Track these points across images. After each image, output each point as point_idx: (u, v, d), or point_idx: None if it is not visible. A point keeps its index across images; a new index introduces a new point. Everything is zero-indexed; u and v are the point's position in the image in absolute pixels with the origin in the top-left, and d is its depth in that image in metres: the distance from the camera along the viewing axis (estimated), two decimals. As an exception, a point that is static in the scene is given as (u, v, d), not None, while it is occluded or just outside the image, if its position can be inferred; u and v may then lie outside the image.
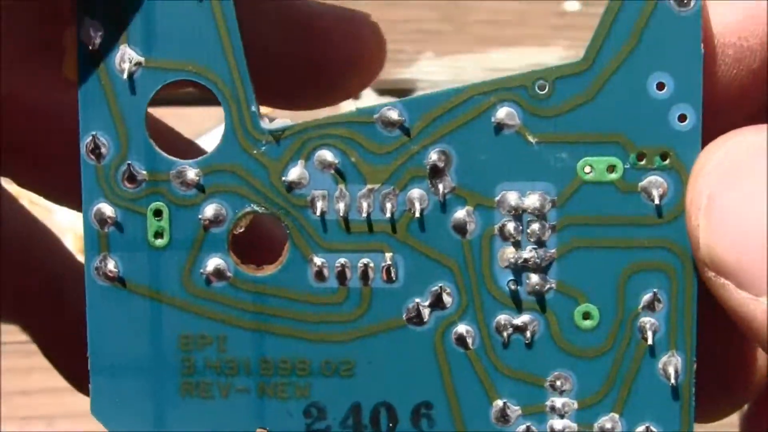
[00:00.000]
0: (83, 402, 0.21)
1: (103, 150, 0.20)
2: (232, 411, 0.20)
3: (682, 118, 0.19)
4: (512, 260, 0.19)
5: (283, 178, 0.19)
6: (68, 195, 0.23)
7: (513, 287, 0.19)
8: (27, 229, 0.25)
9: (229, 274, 0.20)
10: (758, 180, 0.17)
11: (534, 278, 0.19)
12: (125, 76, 0.20)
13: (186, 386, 0.20)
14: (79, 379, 0.22)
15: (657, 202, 0.19)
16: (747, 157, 0.18)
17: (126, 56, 0.19)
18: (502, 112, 0.19)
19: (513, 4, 0.51)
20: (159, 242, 0.20)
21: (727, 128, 0.20)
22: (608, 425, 0.20)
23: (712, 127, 0.19)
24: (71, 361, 0.22)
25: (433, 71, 0.51)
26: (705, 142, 0.19)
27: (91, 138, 0.20)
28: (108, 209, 0.20)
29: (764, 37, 0.19)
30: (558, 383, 0.20)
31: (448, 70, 0.51)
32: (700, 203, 0.18)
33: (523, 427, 0.20)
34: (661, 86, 0.19)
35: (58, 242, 0.26)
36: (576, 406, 0.20)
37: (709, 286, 0.18)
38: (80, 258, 0.22)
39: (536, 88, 0.19)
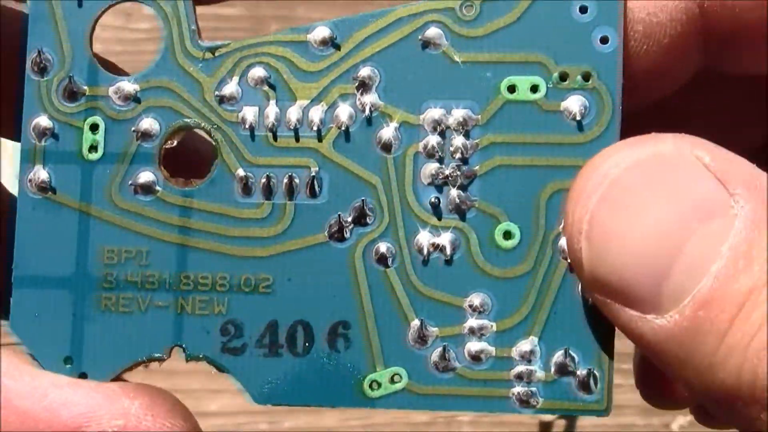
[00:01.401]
0: None
1: (47, 65, 0.23)
2: (149, 327, 0.22)
3: (604, 40, 0.22)
4: (434, 176, 0.22)
5: (216, 94, 0.22)
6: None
7: (434, 203, 0.21)
8: None
9: (157, 188, 0.22)
10: (636, 200, 0.20)
11: (455, 194, 0.22)
12: None
13: (105, 300, 0.22)
14: None
15: (578, 118, 0.21)
16: (624, 179, 0.20)
17: (77, -22, 0.23)
18: (430, 32, 0.22)
19: None
20: (93, 156, 0.23)
21: (642, 108, 0.22)
22: (526, 348, 0.21)
23: (631, 106, 0.21)
24: None
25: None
26: (625, 121, 0.22)
27: (36, 53, 0.23)
28: (46, 122, 0.23)
29: (674, 11, 0.21)
30: (476, 303, 0.21)
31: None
32: (581, 227, 0.20)
33: (439, 349, 0.21)
34: (583, 9, 0.22)
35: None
36: (494, 328, 0.21)
37: (597, 306, 0.21)
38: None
39: (463, 9, 0.22)
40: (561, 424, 0.52)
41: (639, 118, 0.22)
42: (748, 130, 0.26)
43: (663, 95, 0.24)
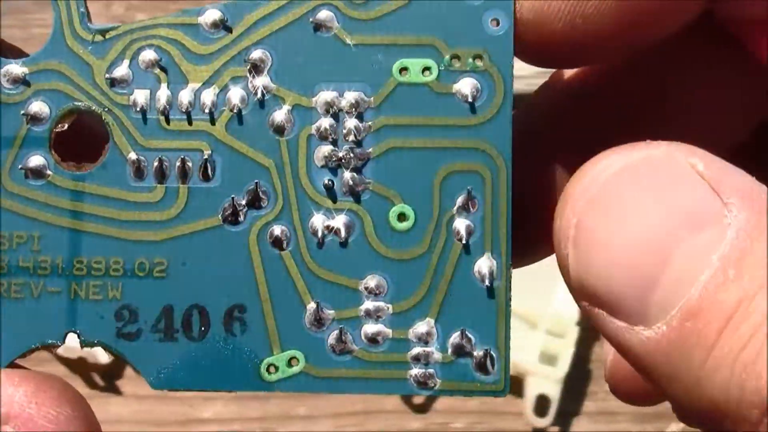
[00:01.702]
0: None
1: None
2: (42, 313, 0.22)
3: (495, 22, 0.22)
4: (328, 158, 0.22)
5: (107, 76, 0.22)
6: None
7: (328, 185, 0.21)
8: None
9: (48, 171, 0.22)
10: (624, 206, 0.19)
11: (349, 177, 0.22)
12: None
13: None
14: None
15: (470, 101, 0.21)
16: (612, 183, 0.19)
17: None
18: (322, 15, 0.22)
19: None
20: (-19, 140, 0.22)
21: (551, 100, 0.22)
22: (423, 329, 0.21)
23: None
24: None
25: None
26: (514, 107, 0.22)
27: None
28: None
29: None
30: (372, 286, 0.21)
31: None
32: (568, 232, 0.20)
33: (336, 331, 0.21)
34: (475, -9, 0.22)
35: None
36: (390, 310, 0.22)
37: (583, 313, 0.20)
38: None
39: None
40: (555, 430, 0.53)
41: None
42: (732, 122, 0.25)
43: (661, 36, 0.23)
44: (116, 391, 0.56)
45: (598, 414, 0.53)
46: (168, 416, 0.54)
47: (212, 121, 0.23)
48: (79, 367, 0.57)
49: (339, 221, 0.22)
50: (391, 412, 0.53)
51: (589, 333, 0.53)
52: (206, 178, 0.23)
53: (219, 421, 0.54)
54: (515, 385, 0.51)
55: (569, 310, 0.52)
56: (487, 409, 0.52)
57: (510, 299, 0.22)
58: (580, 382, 0.53)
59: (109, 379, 0.57)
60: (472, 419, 0.52)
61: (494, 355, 0.22)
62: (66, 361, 0.57)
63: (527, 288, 0.52)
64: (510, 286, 0.22)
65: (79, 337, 0.23)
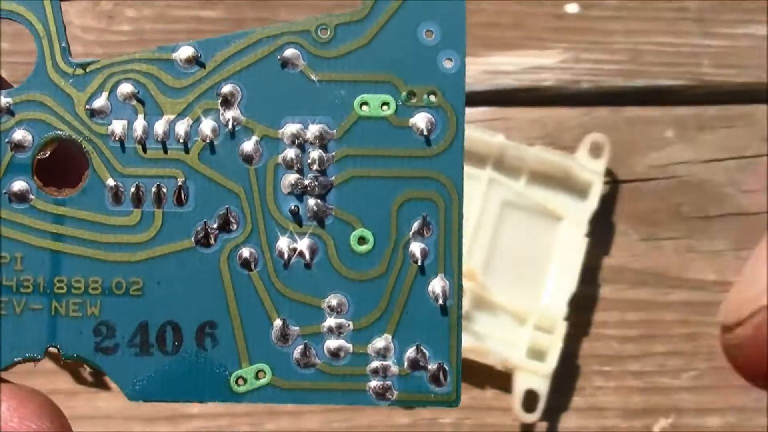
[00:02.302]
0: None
1: None
2: (25, 328, 0.23)
3: (449, 61, 0.23)
4: (294, 186, 0.23)
5: (87, 107, 0.24)
6: None
7: (294, 212, 0.23)
8: None
9: (31, 196, 0.24)
10: None
11: (313, 203, 0.23)
12: None
13: None
14: None
15: (425, 134, 0.23)
16: None
17: (-51, -6, 0.24)
18: (288, 52, 0.24)
19: (512, 6, 0.56)
20: (-33, 166, 0.24)
21: None
22: (381, 344, 0.23)
23: None
24: None
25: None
26: None
27: None
28: None
29: None
30: (334, 304, 0.23)
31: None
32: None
33: (301, 346, 0.23)
34: (429, 33, 0.23)
35: None
36: (351, 327, 0.23)
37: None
38: None
39: (318, 32, 0.24)
40: (543, 425, 0.53)
41: None
42: None
43: None
44: (105, 387, 0.56)
45: (587, 410, 0.53)
46: (156, 412, 0.55)
47: (186, 150, 0.24)
48: (67, 362, 0.57)
49: (304, 244, 0.24)
50: (380, 408, 0.52)
51: (578, 329, 0.53)
52: (180, 203, 0.24)
53: (207, 416, 0.55)
54: (503, 381, 0.51)
55: (558, 306, 0.52)
56: (476, 405, 0.52)
57: (461, 317, 0.24)
58: (568, 377, 0.53)
59: (97, 374, 0.57)
60: (460, 415, 0.52)
61: (447, 368, 0.24)
62: (54, 357, 0.57)
63: (515, 284, 0.52)
64: (461, 305, 0.24)
65: (59, 351, 0.24)
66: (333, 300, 0.24)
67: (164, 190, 0.24)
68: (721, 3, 0.57)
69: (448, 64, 0.24)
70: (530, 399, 0.51)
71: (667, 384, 0.53)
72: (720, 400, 0.52)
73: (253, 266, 0.24)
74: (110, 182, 0.24)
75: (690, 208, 0.54)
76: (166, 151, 0.25)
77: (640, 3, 0.56)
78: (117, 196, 0.24)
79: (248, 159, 0.24)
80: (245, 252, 0.24)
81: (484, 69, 0.55)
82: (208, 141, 0.24)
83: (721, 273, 0.53)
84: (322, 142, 0.24)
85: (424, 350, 0.24)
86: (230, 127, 0.24)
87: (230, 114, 0.24)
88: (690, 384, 0.53)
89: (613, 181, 0.54)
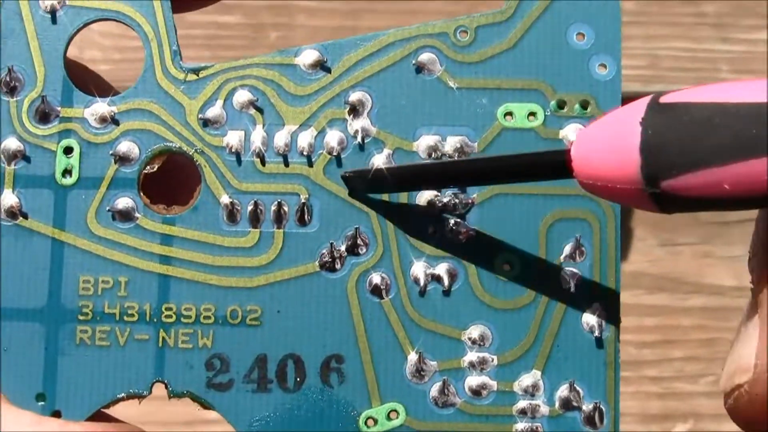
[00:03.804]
0: None
1: (17, 85, 0.21)
2: (129, 361, 0.21)
3: (603, 67, 0.21)
4: (431, 204, 0.21)
5: (200, 117, 0.21)
6: None
7: (431, 232, 0.21)
8: None
9: (137, 214, 0.21)
10: None
11: (453, 223, 0.21)
12: (48, 12, 0.22)
13: (81, 333, 0.21)
14: None
15: None
16: None
17: (50, -7, 0.22)
18: (424, 57, 0.21)
19: None
20: (67, 180, 0.22)
21: None
22: (529, 382, 0.21)
23: None
24: None
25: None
26: None
27: (6, 72, 0.21)
28: (17, 145, 0.22)
29: None
30: (476, 336, 0.21)
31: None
32: None
33: (439, 383, 0.21)
34: (580, 36, 0.21)
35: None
36: (495, 361, 0.21)
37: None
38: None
39: (458, 35, 0.21)
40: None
41: None
42: None
43: None
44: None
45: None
46: (174, 417, 0.52)
47: (310, 164, 0.22)
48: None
49: (442, 269, 0.22)
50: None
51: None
52: (303, 222, 0.22)
53: (224, 421, 0.53)
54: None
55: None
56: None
57: (619, 350, 0.21)
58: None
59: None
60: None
61: (603, 408, 0.21)
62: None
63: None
64: (619, 337, 0.22)
65: (167, 387, 0.22)
66: (474, 331, 0.22)
67: (285, 208, 0.22)
68: (739, 8, 0.56)
69: (602, 70, 0.22)
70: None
71: (685, 389, 0.51)
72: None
73: (384, 293, 0.22)
74: (225, 199, 0.22)
75: (708, 214, 0.53)
76: (287, 165, 0.22)
77: (658, 8, 0.55)
78: (232, 214, 0.22)
79: (380, 174, 0.22)
80: (376, 277, 0.22)
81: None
82: (334, 154, 0.22)
83: (739, 278, 0.52)
84: (462, 155, 0.22)
85: (578, 388, 0.21)
86: (359, 138, 0.22)
87: (359, 124, 0.22)
88: (708, 389, 0.51)
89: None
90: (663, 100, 0.18)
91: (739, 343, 0.19)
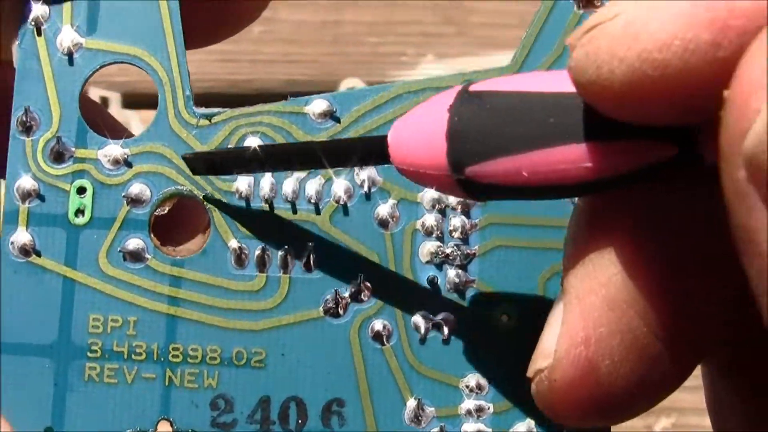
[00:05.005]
0: None
1: (33, 125, 0.22)
2: (136, 399, 0.22)
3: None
4: (433, 254, 0.22)
5: None
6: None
7: (433, 282, 0.21)
8: None
9: (147, 255, 0.22)
10: None
11: (454, 274, 0.22)
12: (65, 54, 0.22)
13: (90, 370, 0.22)
14: None
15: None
16: None
17: (68, 36, 0.22)
18: None
19: (514, 6, 0.55)
20: (79, 220, 0.22)
21: None
22: (523, 430, 0.21)
23: None
24: None
25: (435, 74, 0.55)
26: None
27: (23, 112, 0.22)
28: (31, 183, 0.22)
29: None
30: (473, 384, 0.21)
31: (449, 72, 0.55)
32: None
33: (436, 429, 0.21)
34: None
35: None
36: (491, 409, 0.21)
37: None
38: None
39: None
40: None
41: None
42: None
43: None
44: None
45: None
46: None
47: (317, 212, 0.23)
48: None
49: (442, 318, 0.22)
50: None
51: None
52: (309, 268, 0.23)
53: None
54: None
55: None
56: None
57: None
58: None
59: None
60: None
61: None
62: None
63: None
64: (612, 390, 0.22)
65: (172, 425, 0.22)
66: (472, 380, 0.22)
67: (292, 254, 0.23)
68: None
69: None
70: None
71: (669, 384, 0.52)
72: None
73: (386, 340, 0.22)
74: (233, 243, 0.23)
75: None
76: (295, 212, 0.23)
77: None
78: (240, 258, 0.23)
79: (384, 223, 0.23)
80: (378, 324, 0.22)
81: (487, 68, 0.55)
82: (341, 202, 0.23)
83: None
84: (464, 207, 0.23)
85: None
86: (365, 188, 0.23)
87: (365, 174, 0.23)
88: (691, 384, 0.51)
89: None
90: (472, 88, 0.18)
91: (544, 331, 0.19)
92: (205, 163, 0.22)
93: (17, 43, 0.23)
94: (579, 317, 0.18)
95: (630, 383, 0.18)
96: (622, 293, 0.18)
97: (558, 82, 0.17)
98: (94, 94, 0.49)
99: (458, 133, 0.18)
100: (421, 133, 0.18)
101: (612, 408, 0.18)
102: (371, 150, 0.20)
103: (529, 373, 0.19)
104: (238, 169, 0.22)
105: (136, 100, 0.51)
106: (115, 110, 0.50)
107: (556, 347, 0.18)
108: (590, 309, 0.18)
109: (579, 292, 0.18)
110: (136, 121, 0.51)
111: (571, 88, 0.17)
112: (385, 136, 0.19)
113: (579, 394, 0.18)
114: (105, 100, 0.50)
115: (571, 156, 0.17)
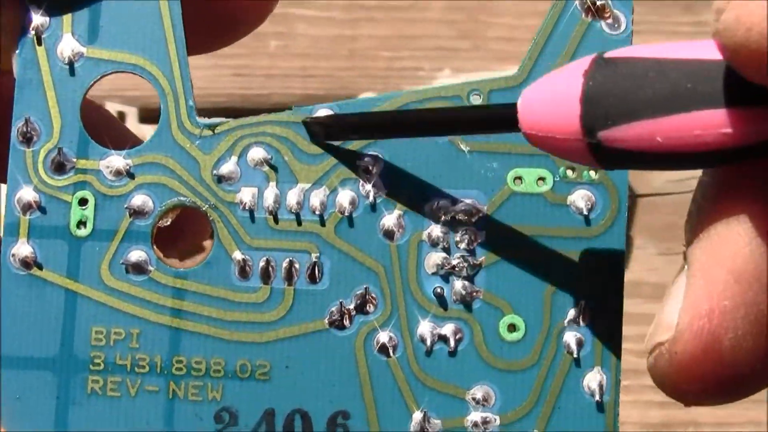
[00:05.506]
0: None
1: (33, 135, 0.22)
2: (139, 412, 0.22)
3: (612, 134, 0.21)
4: (439, 266, 0.21)
5: (214, 172, 0.22)
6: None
7: (439, 294, 0.21)
8: None
9: (150, 267, 0.22)
10: None
11: (460, 285, 0.21)
12: (65, 63, 0.22)
13: (92, 383, 0.22)
14: None
15: (585, 213, 0.21)
16: None
17: (68, 45, 0.22)
18: None
19: (530, 21, 0.55)
20: (81, 231, 0.22)
21: None
22: (530, 443, 0.21)
23: None
24: None
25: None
26: None
27: (23, 122, 0.22)
28: (32, 195, 0.22)
29: None
30: (479, 396, 0.21)
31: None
32: None
33: (442, 441, 0.21)
34: (591, 103, 0.22)
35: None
36: (498, 421, 0.21)
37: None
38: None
39: (470, 98, 0.22)
40: None
41: None
42: None
43: None
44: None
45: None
46: None
47: (322, 223, 0.22)
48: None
49: (448, 329, 0.22)
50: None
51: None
52: (314, 280, 0.22)
53: None
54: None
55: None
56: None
57: (618, 414, 0.22)
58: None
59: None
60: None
61: None
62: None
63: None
64: (618, 401, 0.22)
65: (176, 438, 0.22)
66: (478, 391, 0.22)
67: (296, 265, 0.22)
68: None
69: None
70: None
71: (686, 398, 0.53)
72: (738, 414, 0.51)
73: (391, 352, 0.22)
74: (237, 255, 0.22)
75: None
76: (299, 223, 0.23)
77: (657, 18, 0.55)
78: (244, 270, 0.22)
79: (389, 234, 0.22)
80: (383, 336, 0.22)
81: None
82: (346, 213, 0.22)
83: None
84: (471, 218, 0.22)
85: None
86: (371, 198, 0.22)
87: (371, 185, 0.23)
88: None
89: (630, 195, 0.53)
90: (608, 55, 0.18)
91: (665, 303, 0.19)
92: (324, 128, 0.22)
93: (17, 52, 0.23)
94: (703, 289, 0.18)
95: (753, 358, 0.18)
96: (749, 266, 0.17)
97: (694, 50, 0.17)
98: (111, 108, 0.49)
99: (593, 97, 0.17)
100: (553, 98, 0.18)
101: (733, 383, 0.18)
102: (501, 117, 0.19)
103: (647, 346, 0.19)
104: (356, 136, 0.22)
105: (152, 115, 0.51)
106: (132, 125, 0.50)
107: (678, 320, 0.18)
108: (715, 281, 0.18)
109: (704, 264, 0.18)
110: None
111: (707, 56, 0.16)
112: (515, 104, 0.19)
113: (701, 368, 0.18)
114: (122, 115, 0.50)
115: (710, 121, 0.16)
